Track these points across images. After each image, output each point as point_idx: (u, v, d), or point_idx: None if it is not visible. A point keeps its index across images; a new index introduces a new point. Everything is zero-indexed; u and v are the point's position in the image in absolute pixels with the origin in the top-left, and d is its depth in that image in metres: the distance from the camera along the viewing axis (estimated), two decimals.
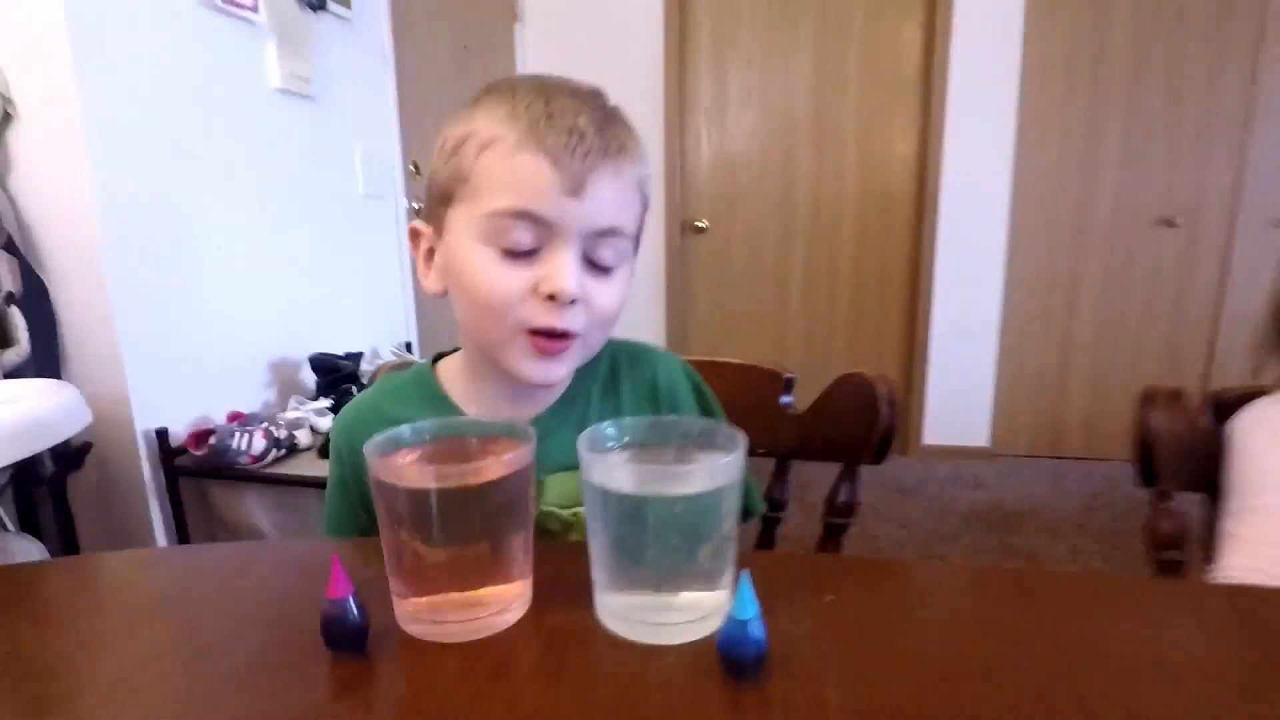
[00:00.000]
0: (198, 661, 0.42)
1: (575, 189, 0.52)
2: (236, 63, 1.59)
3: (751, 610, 0.38)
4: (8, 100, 1.25)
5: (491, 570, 0.43)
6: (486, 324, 0.56)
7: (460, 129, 0.55)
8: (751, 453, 0.88)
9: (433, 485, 0.41)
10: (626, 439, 0.47)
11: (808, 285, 3.16)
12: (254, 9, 1.55)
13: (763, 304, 3.21)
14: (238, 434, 1.41)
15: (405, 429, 0.46)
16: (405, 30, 2.18)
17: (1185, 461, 0.74)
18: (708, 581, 0.43)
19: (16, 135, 1.29)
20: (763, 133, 3.06)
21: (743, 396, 0.87)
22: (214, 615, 0.47)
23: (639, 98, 3.02)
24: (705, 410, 0.70)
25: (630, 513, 0.42)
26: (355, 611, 0.40)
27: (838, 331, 3.18)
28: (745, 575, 0.39)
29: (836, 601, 0.46)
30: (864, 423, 0.79)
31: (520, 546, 0.44)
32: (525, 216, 0.52)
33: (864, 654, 0.41)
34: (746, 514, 0.73)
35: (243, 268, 1.64)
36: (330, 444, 0.67)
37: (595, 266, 0.56)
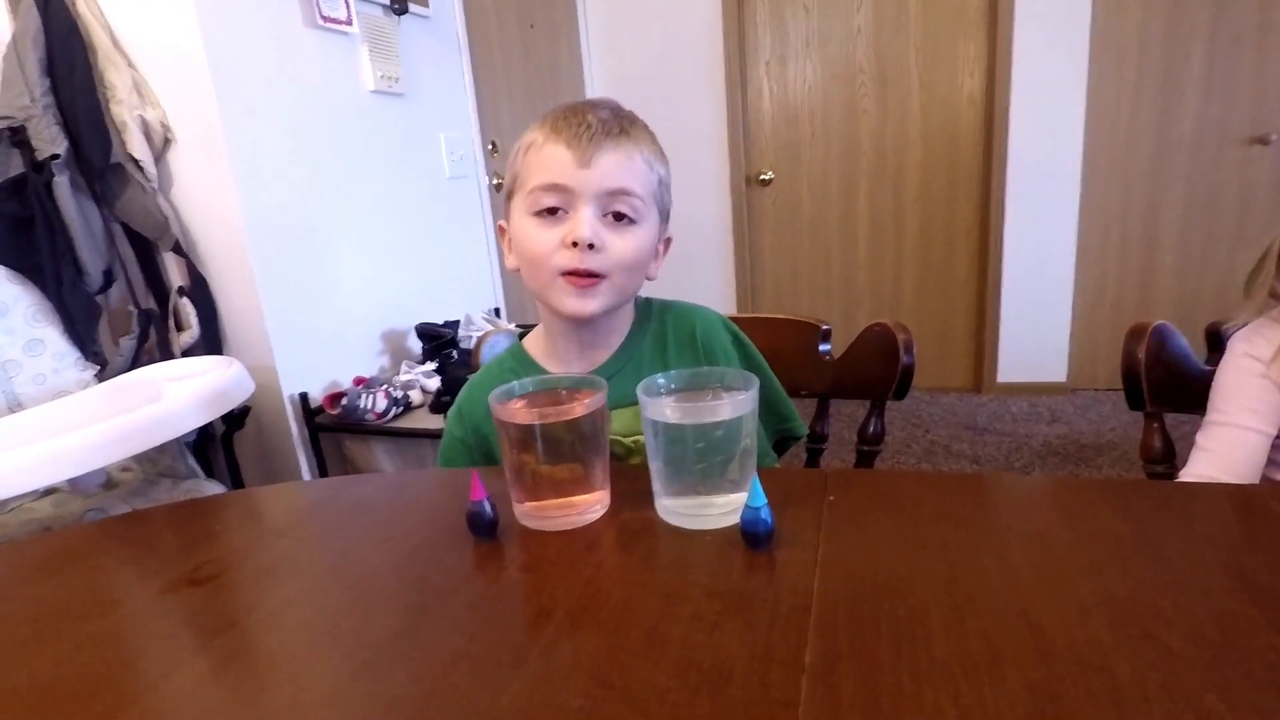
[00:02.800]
0: (382, 546, 0.61)
1: (586, 162, 0.70)
2: (337, 72, 1.79)
3: (761, 500, 0.54)
4: (167, 128, 1.50)
5: (580, 482, 0.61)
6: (535, 273, 0.74)
7: (517, 145, 0.76)
8: (795, 394, 1.04)
9: (536, 422, 0.58)
10: (673, 386, 0.64)
11: (875, 229, 3.19)
12: (348, 22, 1.75)
13: (830, 251, 3.26)
14: (364, 395, 1.66)
15: (514, 384, 0.64)
16: (476, 18, 2.33)
17: (1168, 388, 0.85)
18: (734, 485, 0.59)
19: (175, 157, 1.55)
20: (824, 81, 3.07)
21: (787, 347, 1.03)
22: (387, 518, 0.67)
23: (700, 57, 3.09)
24: (744, 354, 0.85)
25: (676, 437, 0.59)
26: (489, 509, 0.59)
27: (907, 273, 3.20)
28: (755, 476, 0.55)
29: (836, 501, 0.62)
30: (887, 365, 0.93)
31: (599, 465, 0.62)
32: (552, 187, 0.71)
33: (850, 535, 0.56)
34: (793, 437, 0.89)
35: (356, 253, 1.87)
36: (454, 410, 0.85)
37: (615, 222, 0.73)
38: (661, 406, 0.59)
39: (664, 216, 0.79)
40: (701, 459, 0.58)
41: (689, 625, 0.46)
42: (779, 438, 0.87)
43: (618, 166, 0.71)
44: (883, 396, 0.95)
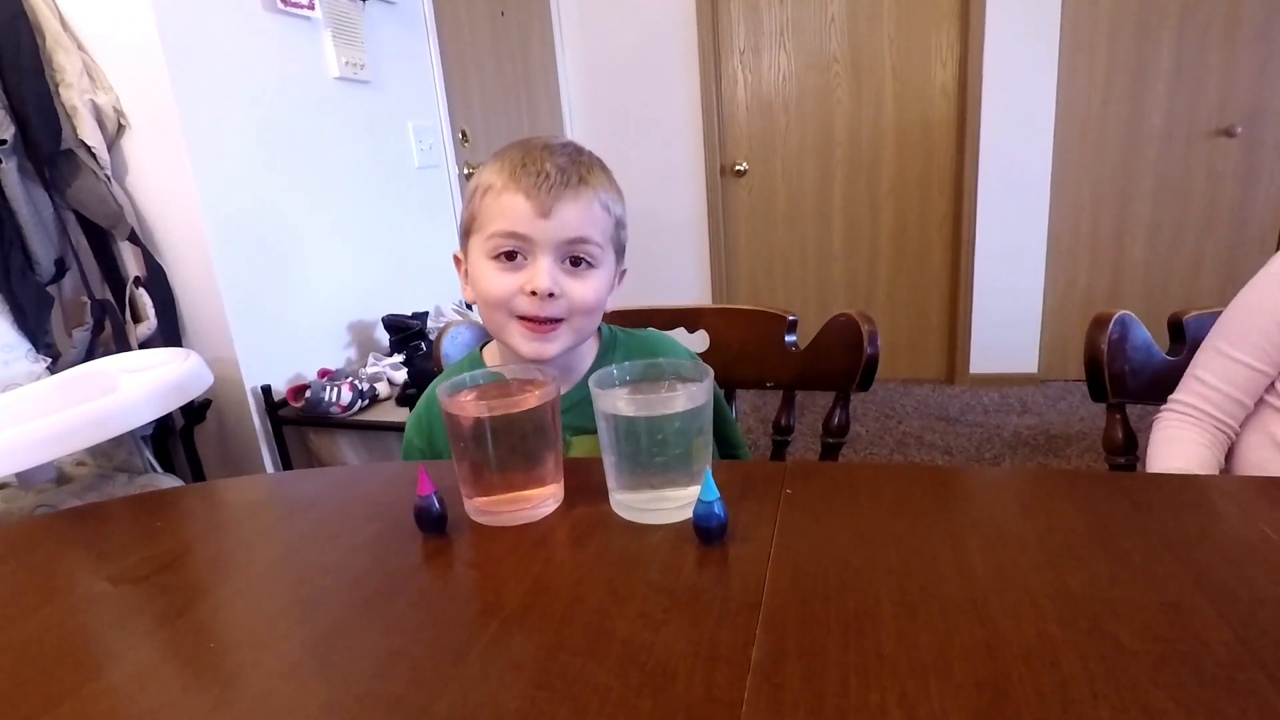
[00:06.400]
0: (327, 543, 0.59)
1: (545, 212, 0.71)
2: (300, 58, 1.75)
3: (713, 494, 0.53)
4: (121, 113, 1.45)
5: (531, 475, 0.59)
6: (492, 315, 0.75)
7: (474, 182, 0.76)
8: (760, 385, 1.02)
9: (485, 414, 0.57)
10: (627, 378, 0.62)
11: (849, 220, 3.19)
12: (310, 6, 1.70)
13: (805, 242, 3.26)
14: (328, 388, 1.63)
15: (465, 376, 0.62)
16: (444, 5, 2.29)
17: (1129, 378, 0.85)
18: (688, 479, 0.57)
19: (129, 143, 1.50)
20: (798, 71, 3.07)
21: (753, 338, 1.02)
22: (335, 514, 0.65)
23: (674, 46, 3.07)
24: None
25: (630, 430, 0.57)
26: (437, 504, 0.57)
27: (881, 265, 3.21)
28: (708, 470, 0.54)
29: (793, 494, 0.61)
30: (852, 355, 0.92)
31: (552, 459, 0.60)
32: (510, 235, 0.71)
33: (805, 529, 0.55)
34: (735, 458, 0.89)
35: (321, 242, 1.83)
36: (413, 416, 0.86)
37: (573, 267, 0.74)
38: (615, 399, 0.57)
39: (620, 254, 0.80)
40: (656, 452, 0.57)
41: (635, 623, 0.45)
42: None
43: (577, 216, 0.72)
44: (847, 388, 0.94)
